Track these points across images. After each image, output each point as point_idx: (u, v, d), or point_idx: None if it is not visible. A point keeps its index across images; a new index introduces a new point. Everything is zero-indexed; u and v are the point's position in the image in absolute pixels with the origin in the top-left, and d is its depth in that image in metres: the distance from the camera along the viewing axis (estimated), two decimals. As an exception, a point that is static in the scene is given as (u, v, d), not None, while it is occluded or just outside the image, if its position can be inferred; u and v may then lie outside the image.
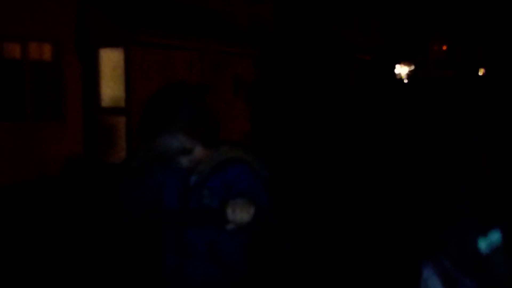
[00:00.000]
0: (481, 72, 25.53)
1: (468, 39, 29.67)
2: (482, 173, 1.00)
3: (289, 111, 13.24)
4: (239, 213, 1.39)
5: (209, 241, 1.63)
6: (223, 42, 10.69)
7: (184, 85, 1.65)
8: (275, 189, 1.65)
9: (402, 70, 23.57)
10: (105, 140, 9.05)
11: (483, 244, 0.95)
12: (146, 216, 1.57)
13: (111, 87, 8.93)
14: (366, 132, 12.36)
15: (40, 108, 8.18)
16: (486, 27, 27.81)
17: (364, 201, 6.34)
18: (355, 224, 5.41)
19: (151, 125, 1.54)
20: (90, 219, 4.72)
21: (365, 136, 11.91)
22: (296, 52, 14.58)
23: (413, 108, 13.25)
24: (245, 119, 11.38)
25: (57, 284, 3.81)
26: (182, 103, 1.56)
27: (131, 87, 8.70)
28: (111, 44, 8.77)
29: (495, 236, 0.95)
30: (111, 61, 8.86)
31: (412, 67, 24.06)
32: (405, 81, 22.56)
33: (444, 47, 29.45)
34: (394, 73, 22.87)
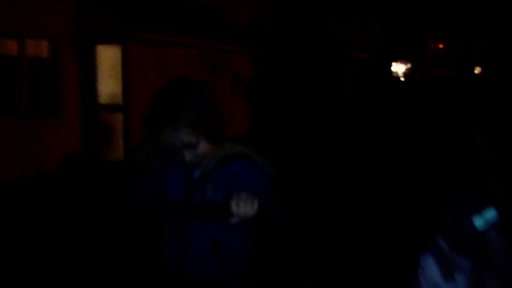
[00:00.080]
0: (477, 70, 25.62)
1: (465, 38, 29.76)
2: (480, 158, 1.01)
3: (287, 109, 13.26)
4: (243, 207, 1.39)
5: (212, 235, 1.63)
6: (221, 40, 10.68)
7: (192, 81, 1.66)
8: (277, 186, 1.66)
9: (399, 68, 23.62)
10: (102, 137, 9.04)
11: (478, 222, 0.95)
12: (150, 210, 1.57)
13: (108, 84, 8.91)
14: (363, 129, 12.39)
15: (37, 105, 8.16)
16: (483, 26, 27.89)
17: (362, 197, 6.36)
18: (355, 220, 5.42)
19: (157, 119, 1.56)
20: (91, 215, 4.71)
21: (362, 134, 11.94)
22: (294, 51, 14.58)
23: (410, 105, 13.29)
24: (243, 117, 11.38)
25: (59, 280, 3.81)
26: (189, 98, 1.57)
27: (128, 84, 8.69)
28: (108, 41, 8.75)
29: (490, 214, 0.95)
30: (108, 58, 8.84)
31: (409, 66, 24.11)
32: (402, 79, 22.62)
33: (441, 46, 29.54)
34: (391, 71, 22.92)
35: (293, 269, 1.37)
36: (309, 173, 8.08)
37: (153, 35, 8.87)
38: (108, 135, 9.04)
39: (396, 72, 23.47)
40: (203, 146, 1.60)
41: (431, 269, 1.09)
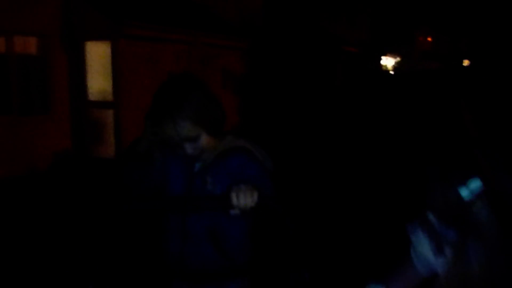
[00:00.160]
0: (466, 63, 25.85)
1: (453, 31, 29.98)
2: (467, 133, 1.03)
3: (277, 103, 13.27)
4: (243, 199, 1.40)
5: (211, 228, 1.64)
6: (211, 35, 10.65)
7: (194, 76, 1.68)
8: (277, 180, 1.68)
9: (388, 62, 23.74)
10: (93, 134, 8.99)
11: (464, 192, 0.98)
12: (150, 203, 1.58)
13: (98, 80, 8.85)
14: (353, 122, 12.46)
15: (27, 102, 8.09)
16: (470, 19, 28.11)
17: (355, 187, 6.42)
18: (350, 211, 5.47)
19: (159, 112, 1.57)
20: (88, 210, 4.70)
21: (352, 126, 12.01)
22: (284, 45, 14.59)
23: (399, 97, 13.39)
24: (233, 112, 11.38)
25: (50, 277, 3.80)
26: (190, 92, 1.59)
27: (118, 80, 8.65)
28: (98, 37, 8.69)
29: (475, 184, 0.97)
30: (98, 54, 8.78)
31: (398, 59, 24.24)
32: (392, 72, 22.75)
33: (430, 39, 29.71)
34: (380, 65, 23.02)
35: (292, 260, 1.39)
36: (301, 167, 8.11)
37: (143, 31, 8.82)
38: (99, 132, 8.99)
39: (385, 66, 23.58)
40: (204, 140, 1.62)
41: (422, 245, 1.11)
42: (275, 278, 3.02)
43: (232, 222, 1.61)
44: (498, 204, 0.94)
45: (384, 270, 1.21)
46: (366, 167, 7.99)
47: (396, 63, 24.18)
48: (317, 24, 17.51)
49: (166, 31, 9.38)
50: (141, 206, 1.49)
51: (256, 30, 13.40)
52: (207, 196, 1.63)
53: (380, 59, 23.08)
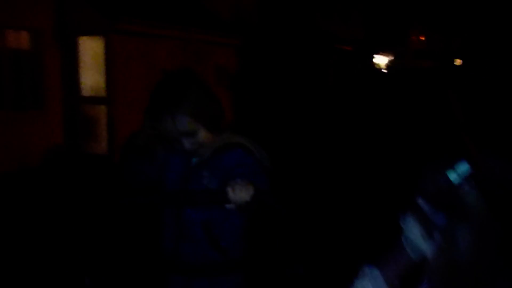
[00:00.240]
0: (458, 62, 25.95)
1: (446, 30, 30.12)
2: (454, 119, 1.05)
3: (270, 100, 13.28)
4: (239, 193, 1.42)
5: (207, 222, 1.66)
6: (205, 32, 10.63)
7: (193, 72, 1.70)
8: (273, 177, 1.69)
9: (381, 60, 23.80)
10: (86, 130, 8.95)
11: (452, 176, 0.99)
12: (147, 197, 1.60)
13: (92, 76, 8.81)
14: (346, 120, 12.50)
15: (19, 97, 8.03)
16: (464, 18, 28.27)
17: (348, 183, 6.45)
18: (344, 206, 5.50)
19: (158, 106, 1.59)
20: (82, 205, 4.70)
21: (345, 123, 12.05)
22: (277, 42, 14.59)
23: (392, 95, 13.46)
24: (227, 108, 11.37)
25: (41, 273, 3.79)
26: (190, 87, 1.61)
27: (112, 76, 8.61)
28: (91, 32, 8.64)
29: (463, 167, 0.99)
30: (91, 49, 8.74)
31: (392, 58, 24.32)
32: (385, 71, 22.83)
33: (423, 38, 29.83)
34: (373, 63, 23.09)
35: (287, 254, 1.41)
36: (294, 163, 8.13)
37: (136, 26, 8.78)
38: (91, 128, 8.96)
39: (378, 64, 23.64)
40: (202, 135, 1.64)
41: (411, 231, 1.13)
42: (270, 272, 3.05)
43: (227, 217, 1.62)
44: (486, 186, 0.96)
45: (378, 254, 1.23)
46: (360, 163, 8.03)
47: (389, 61, 24.26)
48: (311, 21, 17.53)
49: (160, 27, 9.35)
50: (137, 201, 1.50)
51: (250, 27, 13.39)
52: (203, 190, 1.65)
53: (373, 57, 23.14)
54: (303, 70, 15.44)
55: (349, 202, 5.82)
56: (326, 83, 17.07)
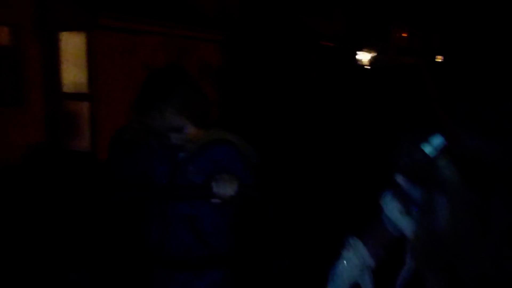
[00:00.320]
0: (439, 59, 26.34)
1: (428, 27, 30.46)
2: (428, 96, 1.08)
3: (254, 96, 13.30)
4: (223, 187, 1.44)
5: (192, 216, 1.67)
6: (189, 27, 10.59)
7: (182, 67, 1.71)
8: (260, 173, 1.71)
9: (364, 56, 23.99)
10: (68, 127, 8.86)
11: (427, 149, 1.01)
12: (132, 192, 1.60)
13: (74, 72, 8.71)
14: (329, 116, 12.58)
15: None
16: (444, 15, 28.62)
17: (332, 178, 6.51)
18: (329, 201, 5.56)
19: (146, 100, 1.60)
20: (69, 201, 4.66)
21: (328, 120, 12.13)
22: (261, 38, 14.60)
23: (374, 90, 13.60)
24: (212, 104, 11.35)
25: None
26: (178, 83, 1.63)
27: (94, 72, 8.53)
28: (72, 27, 8.54)
29: (437, 140, 1.01)
30: (73, 45, 8.64)
31: (374, 54, 24.52)
32: (367, 67, 23.01)
33: (405, 35, 30.13)
34: (356, 60, 23.25)
35: (272, 248, 1.43)
36: (279, 158, 8.17)
37: (119, 22, 8.70)
38: (73, 124, 8.87)
39: (361, 60, 23.82)
40: (189, 130, 1.65)
41: (390, 208, 1.16)
42: (256, 266, 3.07)
43: (212, 211, 1.64)
44: (460, 158, 0.98)
45: (362, 228, 1.26)
46: (344, 156, 8.10)
47: (372, 57, 24.46)
48: (294, 17, 17.58)
49: (143, 22, 9.28)
50: (123, 196, 1.51)
51: (233, 23, 13.37)
52: (189, 185, 1.66)
53: (356, 53, 23.31)
54: (286, 66, 15.48)
55: (335, 195, 5.87)
56: (310, 78, 17.15)
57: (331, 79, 17.35)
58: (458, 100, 0.99)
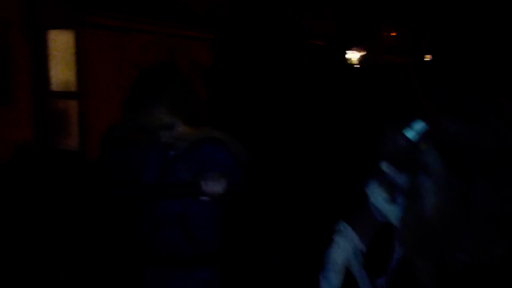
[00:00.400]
0: (427, 58, 26.53)
1: (417, 26, 30.66)
2: (411, 86, 1.10)
3: (245, 94, 13.30)
4: (212, 185, 1.45)
5: (182, 213, 1.68)
6: (179, 26, 10.55)
7: (173, 65, 1.72)
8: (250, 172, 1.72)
9: (353, 55, 24.09)
10: (56, 125, 8.79)
11: (410, 134, 1.02)
12: (125, 189, 1.61)
13: (62, 70, 8.65)
14: (318, 113, 12.62)
15: (-14, 92, 7.83)
16: (433, 15, 28.83)
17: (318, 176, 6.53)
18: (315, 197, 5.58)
19: (137, 98, 1.60)
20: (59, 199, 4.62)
21: (319, 119, 12.17)
22: (251, 37, 14.60)
23: (363, 88, 13.68)
24: (202, 102, 11.34)
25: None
26: (169, 81, 1.63)
27: (83, 70, 8.47)
28: (61, 25, 8.47)
29: (419, 125, 1.02)
30: (61, 43, 8.57)
31: (363, 53, 24.64)
32: (357, 66, 23.10)
33: (393, 34, 30.31)
34: (346, 59, 23.35)
35: (262, 243, 1.44)
36: (269, 156, 8.18)
37: (108, 20, 8.65)
38: (62, 123, 8.80)
39: (351, 59, 23.91)
40: (179, 128, 1.66)
41: (375, 196, 1.17)
42: (245, 262, 3.08)
43: (202, 209, 1.65)
44: (441, 143, 0.99)
45: (351, 214, 1.28)
46: (333, 152, 8.14)
47: (361, 56, 24.57)
48: (284, 16, 17.60)
49: (132, 21, 9.24)
50: (114, 193, 1.51)
51: (223, 22, 13.35)
52: (178, 183, 1.67)
53: (346, 52, 23.40)
54: (276, 64, 15.50)
55: (323, 191, 5.89)
56: (300, 77, 17.19)
57: (320, 77, 17.40)
58: (439, 87, 1.01)
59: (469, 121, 0.98)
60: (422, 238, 1.00)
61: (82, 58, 8.41)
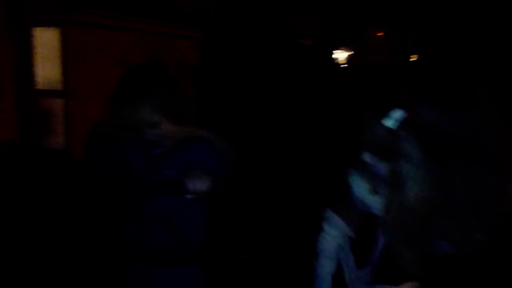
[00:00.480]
0: (414, 58, 26.74)
1: (403, 27, 30.90)
2: (390, 79, 1.11)
3: (232, 93, 13.29)
4: (197, 183, 1.46)
5: (167, 212, 1.68)
6: (165, 24, 10.51)
7: (160, 64, 1.72)
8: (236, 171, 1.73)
9: (341, 55, 24.18)
10: (41, 124, 8.71)
11: (389, 122, 1.03)
12: (107, 189, 1.61)
13: (47, 68, 8.56)
14: (305, 112, 12.67)
15: (-31, 90, 7.72)
16: (419, 15, 29.06)
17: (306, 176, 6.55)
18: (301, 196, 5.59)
19: (123, 96, 1.60)
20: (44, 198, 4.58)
21: (304, 116, 12.22)
22: (238, 35, 14.59)
23: (350, 88, 13.77)
24: (189, 101, 11.30)
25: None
26: (155, 79, 1.63)
27: (68, 68, 8.40)
28: (46, 23, 8.39)
29: (397, 114, 1.03)
30: (46, 41, 8.49)
31: (351, 53, 24.75)
32: (344, 65, 23.22)
33: (380, 34, 30.51)
34: (333, 58, 23.43)
35: (243, 241, 1.45)
36: (257, 155, 8.19)
37: (94, 18, 8.59)
38: (47, 122, 8.72)
39: (338, 59, 24.00)
40: (165, 127, 1.67)
41: (358, 187, 1.18)
42: (227, 260, 3.08)
43: (187, 207, 1.65)
44: (420, 130, 1.00)
45: (337, 204, 1.30)
46: (318, 157, 8.17)
47: (349, 56, 24.69)
48: (271, 15, 17.62)
49: (119, 18, 9.18)
50: (99, 191, 1.51)
51: (210, 20, 13.32)
52: (163, 181, 1.67)
53: (333, 52, 23.49)
54: (263, 63, 15.50)
55: (311, 184, 5.91)
56: (287, 75, 17.21)
57: (307, 76, 17.46)
58: (417, 76, 1.03)
59: (444, 108, 0.99)
60: (405, 226, 1.00)
61: (68, 56, 8.34)
